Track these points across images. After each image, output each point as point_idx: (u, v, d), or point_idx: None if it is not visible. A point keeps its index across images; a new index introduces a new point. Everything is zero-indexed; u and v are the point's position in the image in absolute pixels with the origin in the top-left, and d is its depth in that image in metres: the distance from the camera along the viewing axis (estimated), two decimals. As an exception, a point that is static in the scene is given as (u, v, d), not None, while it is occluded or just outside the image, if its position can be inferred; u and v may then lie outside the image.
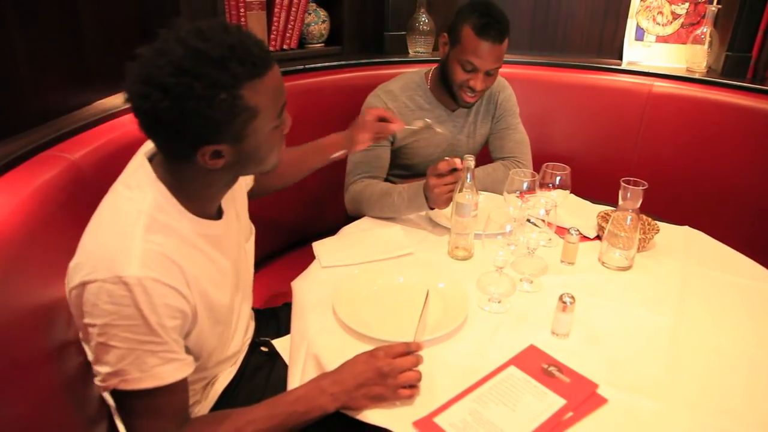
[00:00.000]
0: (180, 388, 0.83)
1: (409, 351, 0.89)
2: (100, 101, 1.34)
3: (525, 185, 1.21)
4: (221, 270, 0.94)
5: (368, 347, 0.93)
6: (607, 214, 1.35)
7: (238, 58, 0.74)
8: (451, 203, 1.21)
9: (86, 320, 0.77)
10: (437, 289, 1.13)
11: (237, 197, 1.06)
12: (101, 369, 0.79)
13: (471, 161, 1.19)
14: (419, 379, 0.87)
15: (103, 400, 0.98)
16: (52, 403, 0.84)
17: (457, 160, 1.25)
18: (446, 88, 1.58)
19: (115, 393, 0.82)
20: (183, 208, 0.85)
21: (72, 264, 0.79)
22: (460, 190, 1.19)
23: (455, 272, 1.21)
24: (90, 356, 0.84)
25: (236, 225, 1.03)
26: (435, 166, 1.28)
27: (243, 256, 1.06)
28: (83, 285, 0.76)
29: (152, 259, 0.77)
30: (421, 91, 1.63)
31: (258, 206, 1.65)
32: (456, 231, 1.24)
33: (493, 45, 1.44)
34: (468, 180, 1.18)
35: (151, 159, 0.86)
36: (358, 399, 0.85)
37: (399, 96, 1.60)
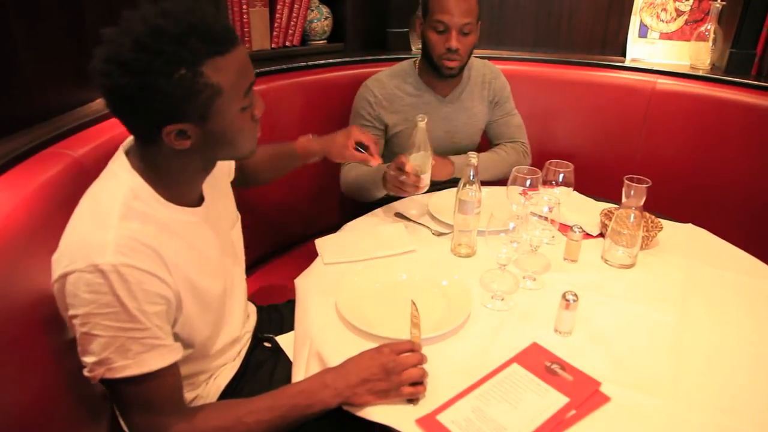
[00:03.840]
0: (168, 374, 0.83)
1: (414, 349, 0.89)
2: (102, 98, 1.34)
3: (528, 182, 1.21)
4: (206, 257, 0.94)
5: (371, 344, 0.93)
6: (611, 212, 1.34)
7: (198, 35, 0.74)
8: (455, 200, 1.21)
9: (70, 312, 0.78)
10: (440, 286, 1.13)
11: (220, 184, 1.06)
12: (87, 359, 0.79)
13: (474, 159, 1.18)
14: (423, 377, 0.87)
15: (105, 396, 0.98)
16: (55, 398, 0.85)
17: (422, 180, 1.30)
18: (432, 69, 1.59)
19: (107, 383, 0.82)
20: (159, 196, 0.85)
21: (54, 257, 0.79)
22: (463, 187, 1.18)
23: (458, 269, 1.20)
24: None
25: (219, 212, 1.02)
26: (400, 159, 1.30)
27: (229, 242, 1.05)
28: (64, 277, 0.76)
29: (127, 245, 0.77)
30: (411, 78, 1.65)
31: (261, 204, 1.65)
32: (459, 228, 1.23)
33: (460, 0, 1.46)
34: (471, 177, 1.17)
35: (128, 153, 0.87)
36: (362, 394, 0.85)
37: (387, 84, 1.64)
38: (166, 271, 0.81)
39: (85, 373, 0.80)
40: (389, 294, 1.12)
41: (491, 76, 1.72)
